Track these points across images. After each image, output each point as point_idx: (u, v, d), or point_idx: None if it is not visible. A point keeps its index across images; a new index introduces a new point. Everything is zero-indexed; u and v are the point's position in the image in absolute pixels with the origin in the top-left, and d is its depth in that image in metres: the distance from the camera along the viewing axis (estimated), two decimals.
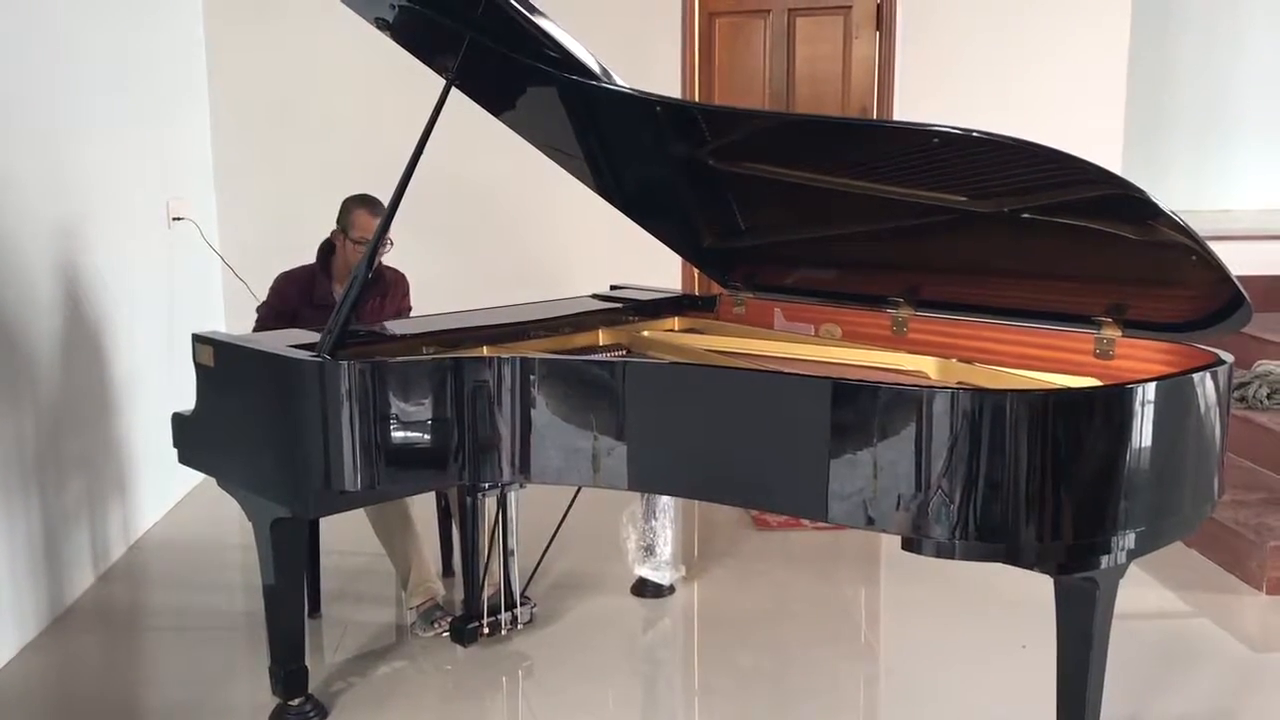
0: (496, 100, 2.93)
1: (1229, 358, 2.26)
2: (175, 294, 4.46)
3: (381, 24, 2.80)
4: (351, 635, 3.21)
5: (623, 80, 2.64)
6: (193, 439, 2.79)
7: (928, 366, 2.65)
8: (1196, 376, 2.14)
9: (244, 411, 2.63)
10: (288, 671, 2.71)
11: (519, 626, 3.14)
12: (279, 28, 5.00)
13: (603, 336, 3.08)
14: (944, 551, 2.08)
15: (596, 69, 2.61)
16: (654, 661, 3.19)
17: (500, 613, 3.09)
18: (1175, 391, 2.11)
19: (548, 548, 3.34)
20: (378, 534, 3.21)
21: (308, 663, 2.75)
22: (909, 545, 2.11)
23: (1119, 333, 2.44)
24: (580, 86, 2.63)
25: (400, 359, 2.48)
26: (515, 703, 2.93)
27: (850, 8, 5.29)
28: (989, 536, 2.04)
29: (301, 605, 2.76)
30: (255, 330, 3.21)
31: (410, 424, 2.43)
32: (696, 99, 5.35)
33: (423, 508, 3.29)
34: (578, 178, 3.09)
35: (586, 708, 2.83)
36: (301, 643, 2.73)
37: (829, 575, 3.69)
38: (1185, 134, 6.71)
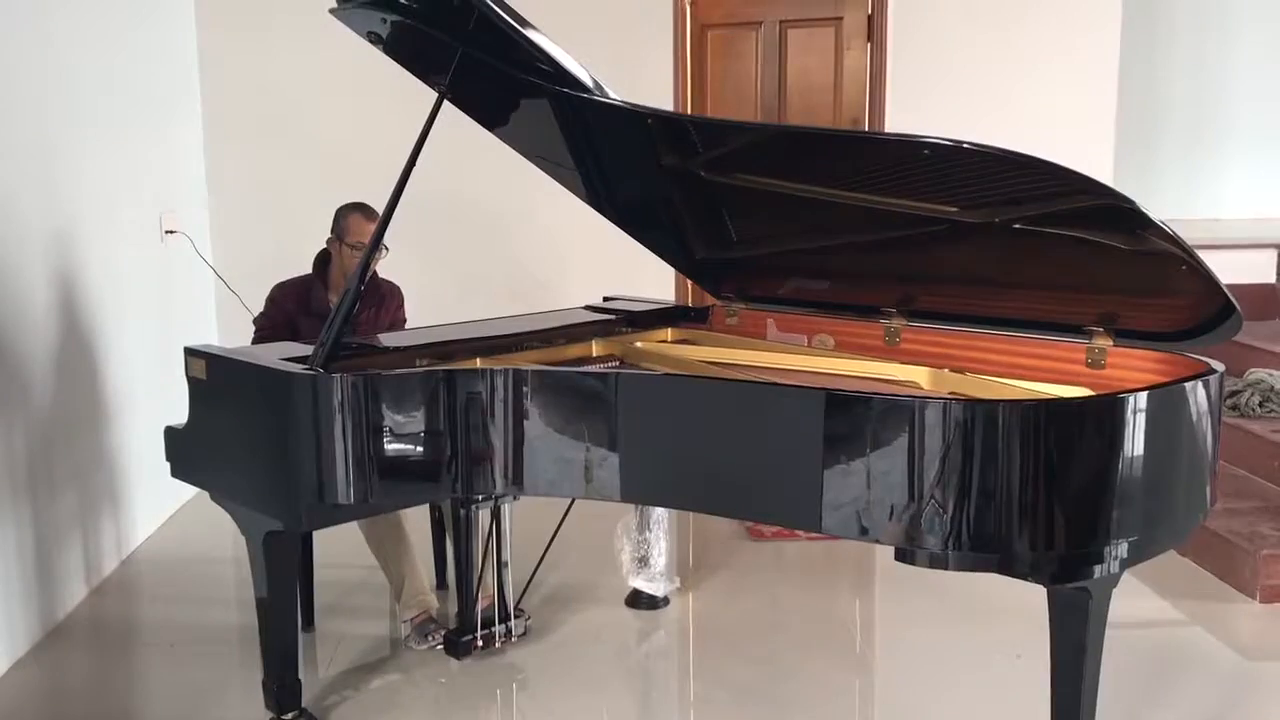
0: (489, 114, 2.93)
1: (1220, 367, 2.26)
2: (168, 307, 4.46)
3: (374, 38, 2.81)
4: (345, 649, 3.20)
5: (615, 92, 2.65)
6: (185, 452, 2.78)
7: (920, 377, 2.65)
8: (1188, 386, 2.15)
9: (236, 425, 2.62)
10: (281, 685, 2.70)
11: (513, 639, 3.14)
12: (271, 40, 5.00)
13: (596, 348, 3.08)
14: (937, 562, 2.08)
15: (588, 82, 2.62)
16: (648, 674, 3.19)
17: (494, 625, 3.08)
18: (1167, 401, 2.11)
19: (541, 560, 3.34)
20: (371, 547, 3.20)
21: (301, 677, 2.74)
22: (902, 556, 2.11)
23: (1110, 342, 2.45)
24: (572, 99, 2.64)
25: (392, 371, 2.48)
26: (510, 716, 2.92)
27: (841, 19, 5.32)
28: (982, 547, 2.04)
29: (295, 619, 2.75)
30: (254, 342, 3.21)
31: (403, 437, 2.43)
32: (689, 110, 5.37)
33: (416, 520, 3.28)
34: (570, 190, 3.09)
35: None
36: (295, 656, 2.72)
37: (824, 586, 3.69)
38: (1176, 142, 6.74)
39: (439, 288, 4.31)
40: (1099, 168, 5.00)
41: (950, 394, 2.48)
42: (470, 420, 2.45)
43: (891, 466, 2.06)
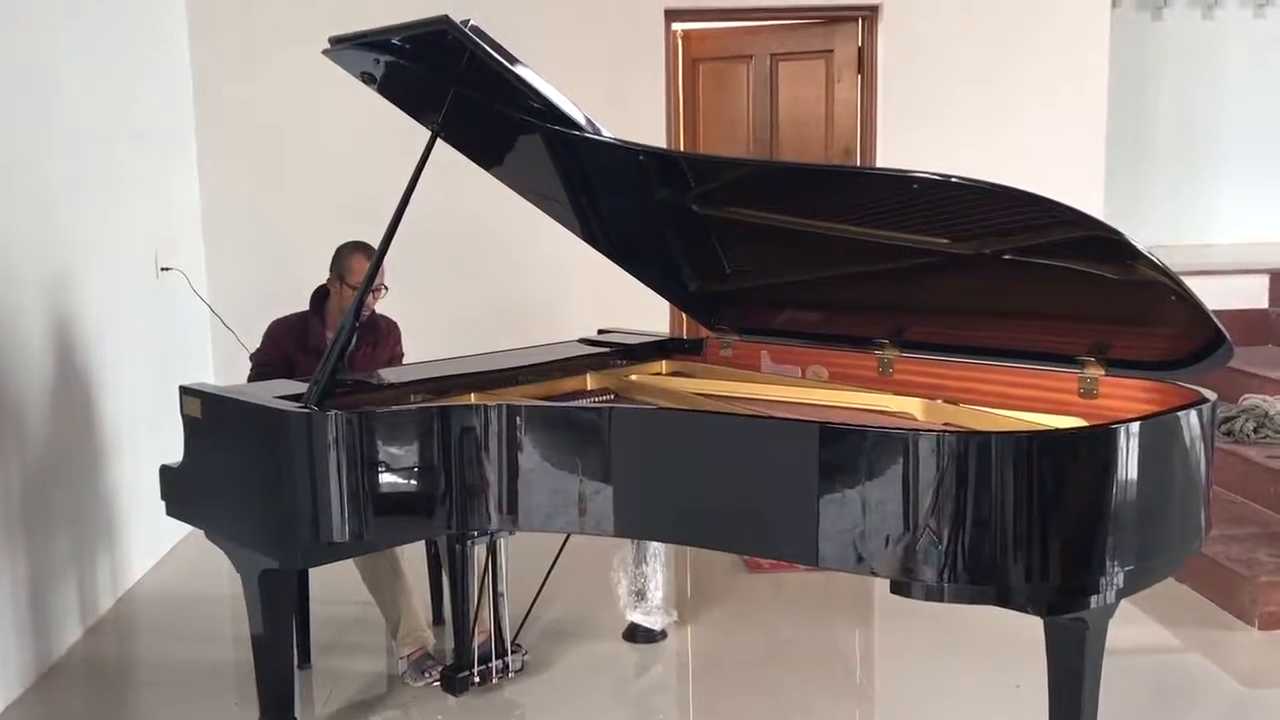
0: (483, 151, 2.95)
1: (1212, 395, 2.27)
2: (163, 344, 4.46)
3: (367, 78, 2.83)
4: (342, 686, 3.18)
5: (608, 126, 2.66)
6: (180, 491, 2.78)
7: (914, 408, 2.66)
8: (1180, 415, 2.16)
9: (231, 463, 2.63)
10: None
11: (510, 674, 3.13)
12: (266, 76, 5.03)
13: (590, 381, 3.09)
14: (933, 594, 2.08)
15: (581, 119, 2.64)
16: (647, 708, 3.17)
17: (491, 661, 3.07)
18: (1160, 430, 2.12)
19: (538, 594, 3.32)
20: (367, 583, 3.19)
21: (298, 714, 2.73)
22: (898, 589, 2.11)
23: (1102, 372, 2.46)
24: (565, 137, 2.66)
25: (386, 408, 2.48)
26: None
27: (832, 52, 5.36)
28: (977, 579, 2.05)
29: (291, 656, 2.74)
30: (251, 378, 3.21)
31: (398, 473, 2.43)
32: (681, 144, 5.41)
33: (413, 556, 3.27)
34: (565, 225, 3.11)
35: None
36: (291, 694, 2.71)
37: (822, 617, 3.67)
38: (1165, 169, 6.79)
39: (435, 321, 4.32)
40: (1089, 196, 5.02)
41: (944, 425, 2.49)
42: (465, 456, 2.45)
43: (886, 499, 2.07)
